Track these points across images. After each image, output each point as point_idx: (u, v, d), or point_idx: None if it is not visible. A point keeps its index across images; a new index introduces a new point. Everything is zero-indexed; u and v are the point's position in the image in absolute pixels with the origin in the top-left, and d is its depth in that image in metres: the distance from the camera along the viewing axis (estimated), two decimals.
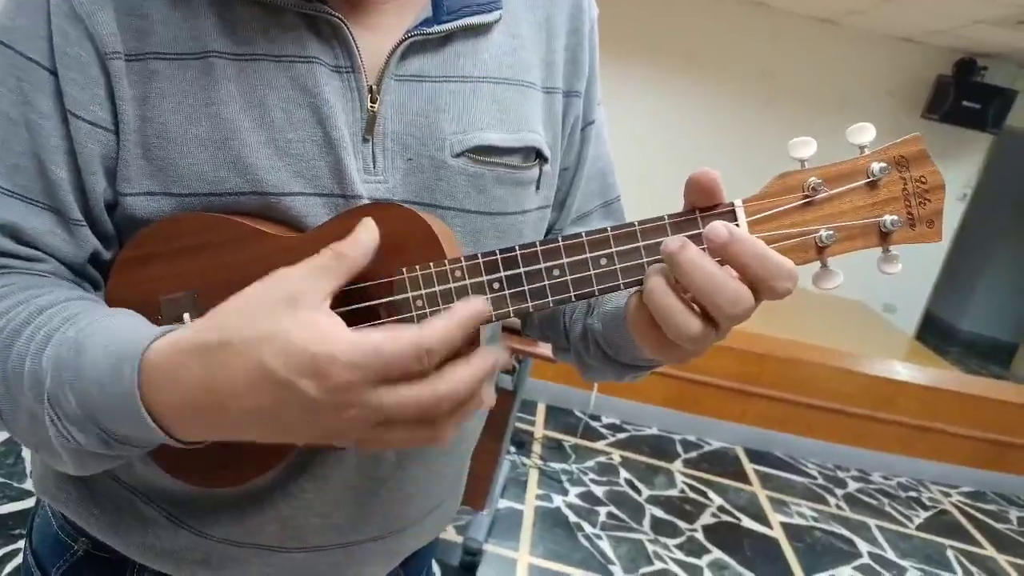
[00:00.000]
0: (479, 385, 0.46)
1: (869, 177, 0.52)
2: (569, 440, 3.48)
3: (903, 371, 3.93)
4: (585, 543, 2.70)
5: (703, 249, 0.49)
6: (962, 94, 5.40)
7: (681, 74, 5.72)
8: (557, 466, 3.21)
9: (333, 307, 0.54)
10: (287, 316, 0.44)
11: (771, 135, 5.51)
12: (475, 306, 0.47)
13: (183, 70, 0.55)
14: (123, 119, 0.55)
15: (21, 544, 2.06)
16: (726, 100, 5.75)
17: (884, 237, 0.53)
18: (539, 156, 0.67)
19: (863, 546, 3.13)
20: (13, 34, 0.54)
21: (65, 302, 0.53)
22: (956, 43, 5.39)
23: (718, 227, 0.49)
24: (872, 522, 3.36)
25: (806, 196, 0.52)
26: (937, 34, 5.27)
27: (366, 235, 0.50)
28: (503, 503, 2.82)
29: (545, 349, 2.21)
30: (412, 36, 0.60)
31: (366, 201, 0.59)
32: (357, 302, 0.54)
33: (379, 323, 0.54)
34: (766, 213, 0.52)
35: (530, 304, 0.54)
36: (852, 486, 3.68)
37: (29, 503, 2.29)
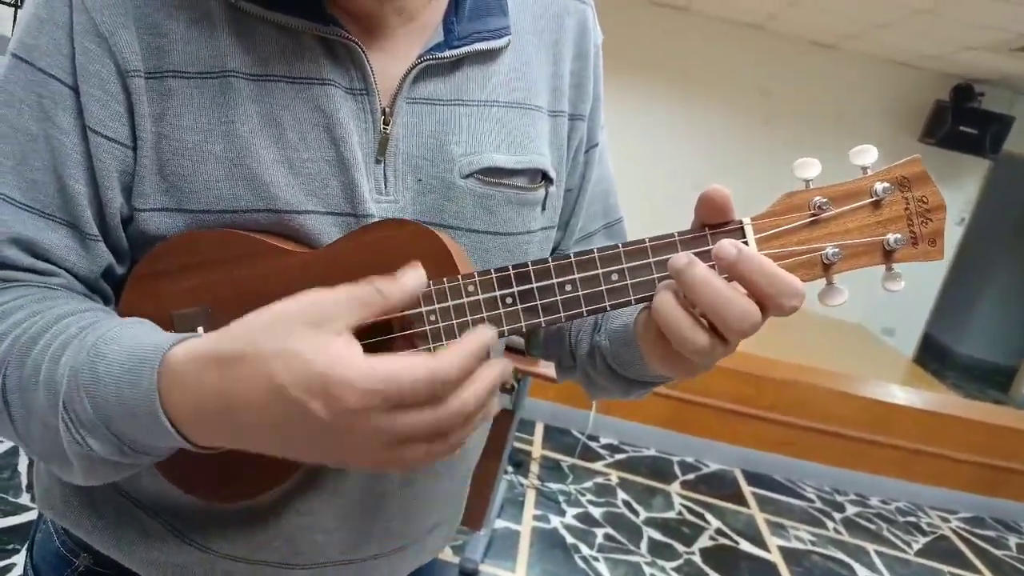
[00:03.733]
0: (487, 397, 0.46)
1: (873, 197, 0.53)
2: (567, 460, 3.47)
3: (902, 394, 3.93)
4: (582, 565, 2.68)
5: (712, 266, 0.50)
6: (959, 119, 5.45)
7: (680, 93, 5.78)
8: (555, 486, 3.20)
9: None
10: (306, 336, 0.44)
11: (768, 153, 5.56)
12: (486, 334, 0.47)
13: (201, 89, 0.56)
14: (141, 136, 0.56)
15: (15, 559, 2.05)
16: (724, 119, 5.81)
17: (888, 255, 0.54)
18: (545, 178, 0.68)
19: (861, 571, 3.11)
20: (35, 51, 0.54)
21: (82, 312, 0.54)
22: (952, 68, 5.45)
23: (727, 245, 0.50)
24: (871, 547, 3.34)
25: (813, 214, 0.53)
26: (932, 59, 5.33)
27: (412, 281, 0.48)
28: (500, 523, 2.80)
29: (545, 368, 2.21)
30: (424, 60, 0.61)
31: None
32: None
33: (392, 336, 0.54)
34: (774, 231, 0.53)
35: (542, 319, 0.54)
36: (850, 510, 3.66)
37: (24, 517, 2.27)
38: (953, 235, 5.81)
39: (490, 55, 0.65)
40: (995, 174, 5.94)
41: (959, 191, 5.80)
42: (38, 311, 0.53)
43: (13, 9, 2.97)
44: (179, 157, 0.56)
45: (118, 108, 0.55)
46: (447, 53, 0.62)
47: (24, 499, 2.35)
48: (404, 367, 0.43)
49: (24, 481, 2.43)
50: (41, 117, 0.54)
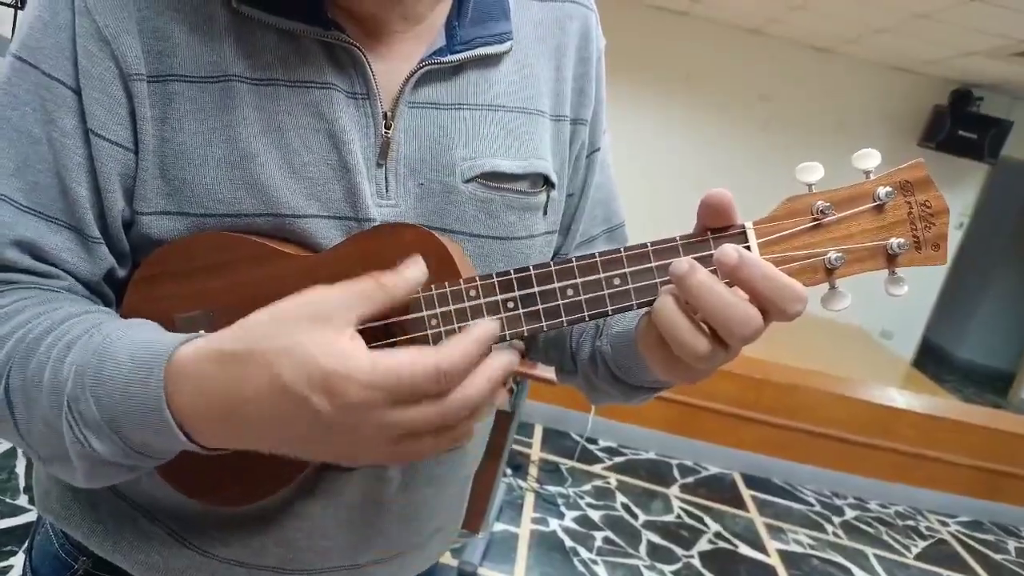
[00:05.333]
0: (492, 388, 0.46)
1: (875, 201, 0.53)
2: (566, 463, 3.46)
3: (901, 398, 3.92)
4: (581, 568, 2.68)
5: (713, 270, 0.50)
6: (958, 124, 5.46)
7: (681, 97, 5.80)
8: (553, 489, 3.19)
9: None
10: (310, 333, 0.44)
11: (767, 158, 5.58)
12: (489, 326, 0.47)
13: (203, 93, 0.56)
14: (143, 139, 0.56)
15: (13, 560, 2.04)
16: (724, 123, 5.83)
17: (891, 259, 0.53)
18: (547, 182, 0.68)
19: (860, 575, 3.10)
20: (38, 54, 0.54)
21: (85, 314, 0.53)
22: (951, 74, 5.46)
23: (728, 250, 0.49)
24: (870, 551, 3.34)
25: (815, 219, 0.53)
26: (931, 64, 5.34)
27: (413, 272, 0.49)
28: (499, 526, 2.79)
29: (544, 372, 2.20)
30: (426, 65, 0.61)
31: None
32: (372, 320, 0.55)
33: (394, 341, 0.54)
34: (776, 235, 0.53)
35: (544, 323, 0.54)
36: (849, 514, 3.66)
37: (21, 519, 2.27)
38: (952, 239, 5.78)
39: (492, 59, 0.65)
40: (994, 178, 5.95)
41: (958, 195, 5.81)
42: (41, 313, 0.53)
43: (13, 10, 2.97)
44: (181, 161, 0.56)
45: (120, 111, 0.55)
46: (449, 57, 0.62)
47: (22, 500, 2.35)
48: (407, 361, 0.43)
49: (22, 483, 2.43)
50: (44, 120, 0.54)
